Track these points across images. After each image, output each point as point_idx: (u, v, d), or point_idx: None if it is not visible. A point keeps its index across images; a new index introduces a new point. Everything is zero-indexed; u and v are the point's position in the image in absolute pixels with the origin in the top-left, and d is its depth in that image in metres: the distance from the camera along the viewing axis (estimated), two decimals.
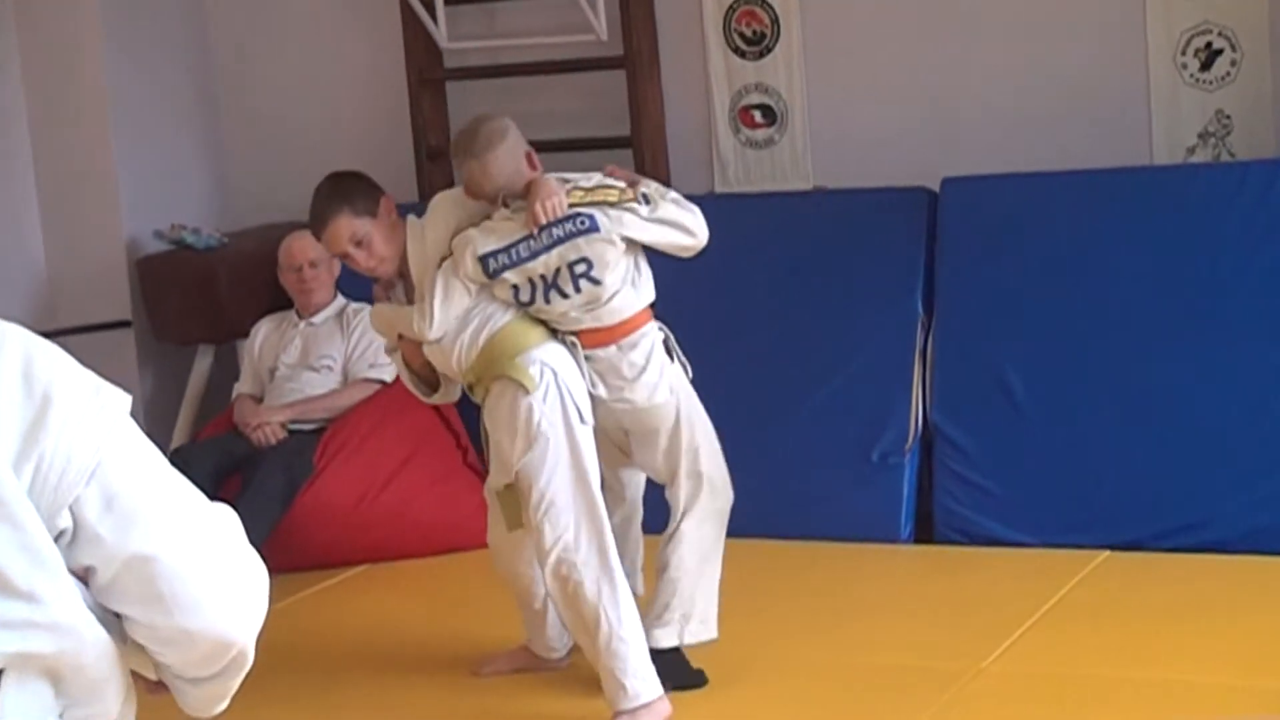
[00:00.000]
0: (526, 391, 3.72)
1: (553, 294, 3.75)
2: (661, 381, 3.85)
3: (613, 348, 3.82)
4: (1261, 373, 4.76)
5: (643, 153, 5.81)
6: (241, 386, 5.52)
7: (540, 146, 5.96)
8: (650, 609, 3.91)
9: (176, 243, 6.13)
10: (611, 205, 3.74)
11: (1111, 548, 4.74)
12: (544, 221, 3.70)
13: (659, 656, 3.83)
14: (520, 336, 3.78)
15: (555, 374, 3.75)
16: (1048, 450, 4.93)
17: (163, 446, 6.36)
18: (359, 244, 3.85)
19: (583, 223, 3.71)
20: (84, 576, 1.57)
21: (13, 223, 6.24)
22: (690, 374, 3.98)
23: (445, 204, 3.88)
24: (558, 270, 3.73)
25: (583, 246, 3.72)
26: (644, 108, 5.85)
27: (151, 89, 6.31)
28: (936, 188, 5.26)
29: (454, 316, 3.78)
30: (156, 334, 6.18)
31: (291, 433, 5.25)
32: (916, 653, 4.14)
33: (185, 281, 6.02)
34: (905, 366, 5.09)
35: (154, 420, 6.24)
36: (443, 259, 3.80)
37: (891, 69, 5.61)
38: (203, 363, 6.15)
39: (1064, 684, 3.88)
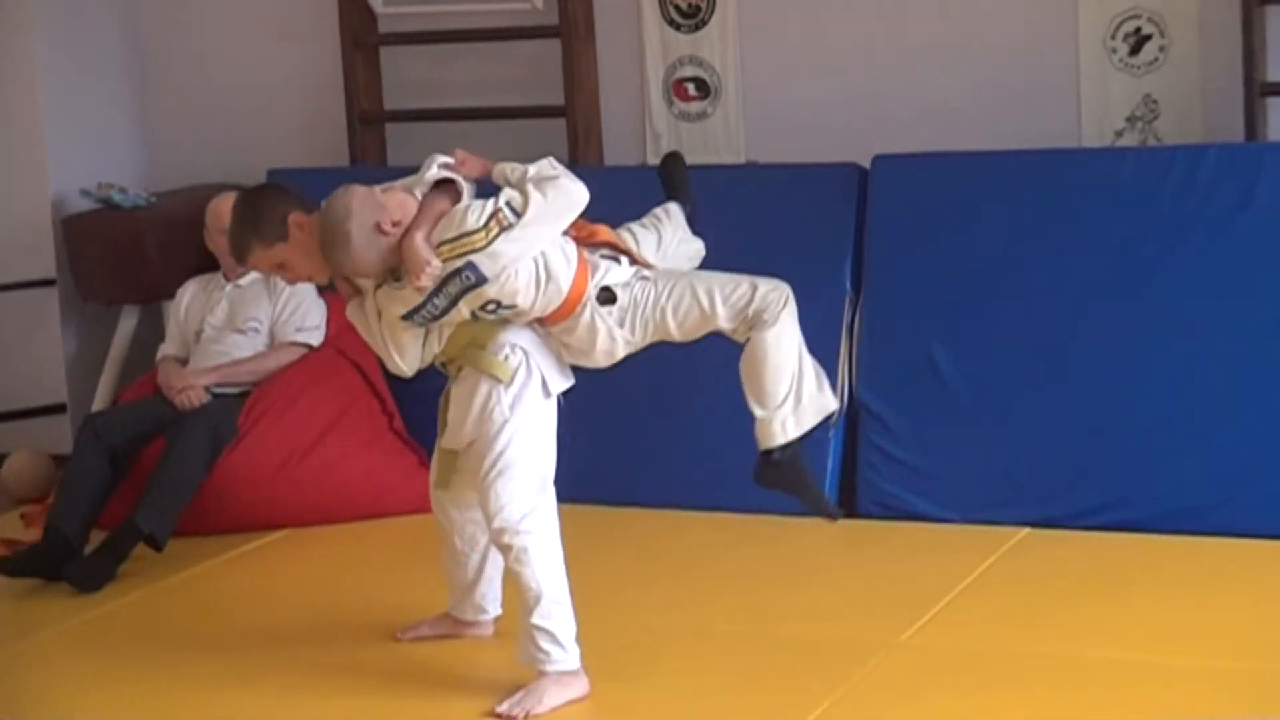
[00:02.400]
0: (498, 380, 3.76)
1: (480, 314, 3.77)
2: (617, 342, 3.85)
3: (561, 324, 3.84)
4: (1182, 355, 4.82)
5: (576, 124, 5.80)
6: (166, 348, 5.48)
7: (475, 114, 5.97)
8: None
9: (103, 202, 6.06)
10: (482, 249, 3.65)
11: (1031, 525, 4.79)
12: (429, 289, 3.69)
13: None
14: (485, 323, 3.81)
15: (526, 354, 3.80)
16: (971, 427, 4.98)
17: (85, 407, 6.19)
18: (280, 267, 3.88)
19: (468, 278, 3.67)
20: None
21: None
22: (651, 263, 3.94)
23: (356, 309, 3.85)
24: (473, 313, 3.76)
25: (481, 295, 3.71)
26: (579, 78, 5.83)
27: (79, 47, 6.23)
28: (867, 165, 5.28)
29: (417, 347, 3.81)
30: (81, 293, 6.12)
31: (216, 396, 5.21)
32: (835, 625, 4.18)
33: (111, 241, 5.96)
34: (832, 342, 5.11)
35: (77, 381, 6.19)
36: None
37: (824, 46, 5.63)
38: (127, 323, 6.10)
39: (981, 659, 3.93)
